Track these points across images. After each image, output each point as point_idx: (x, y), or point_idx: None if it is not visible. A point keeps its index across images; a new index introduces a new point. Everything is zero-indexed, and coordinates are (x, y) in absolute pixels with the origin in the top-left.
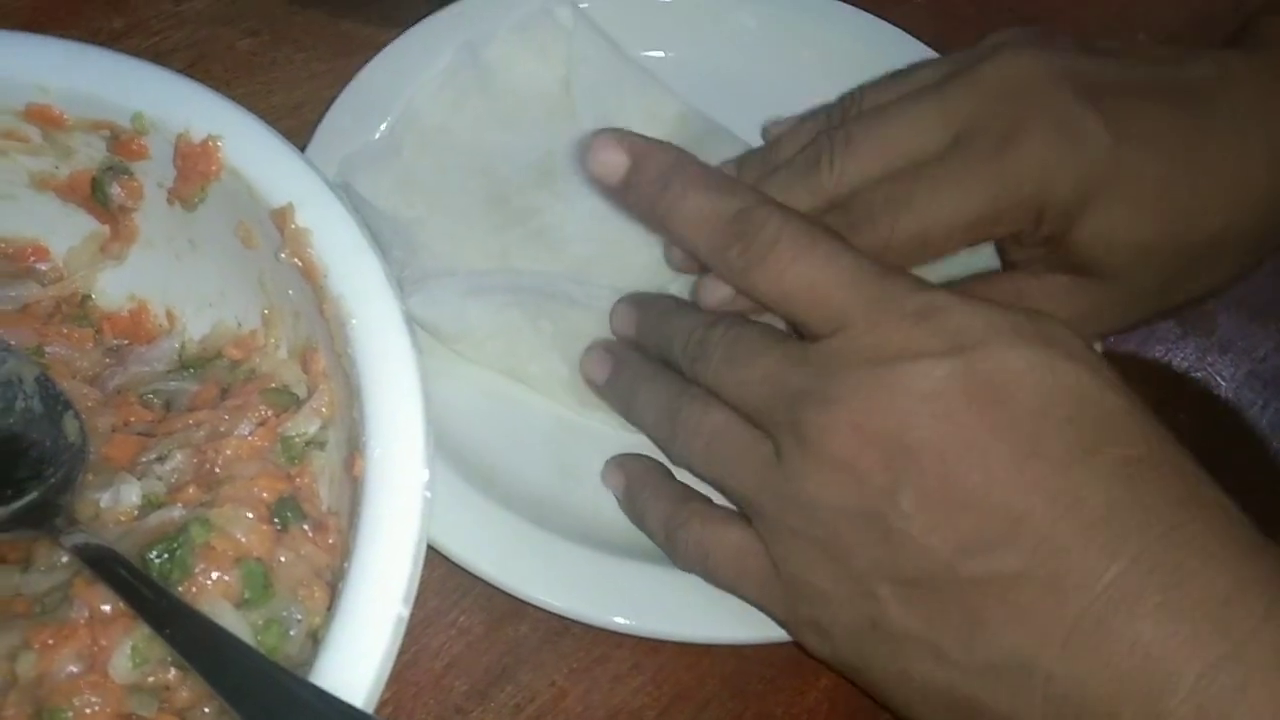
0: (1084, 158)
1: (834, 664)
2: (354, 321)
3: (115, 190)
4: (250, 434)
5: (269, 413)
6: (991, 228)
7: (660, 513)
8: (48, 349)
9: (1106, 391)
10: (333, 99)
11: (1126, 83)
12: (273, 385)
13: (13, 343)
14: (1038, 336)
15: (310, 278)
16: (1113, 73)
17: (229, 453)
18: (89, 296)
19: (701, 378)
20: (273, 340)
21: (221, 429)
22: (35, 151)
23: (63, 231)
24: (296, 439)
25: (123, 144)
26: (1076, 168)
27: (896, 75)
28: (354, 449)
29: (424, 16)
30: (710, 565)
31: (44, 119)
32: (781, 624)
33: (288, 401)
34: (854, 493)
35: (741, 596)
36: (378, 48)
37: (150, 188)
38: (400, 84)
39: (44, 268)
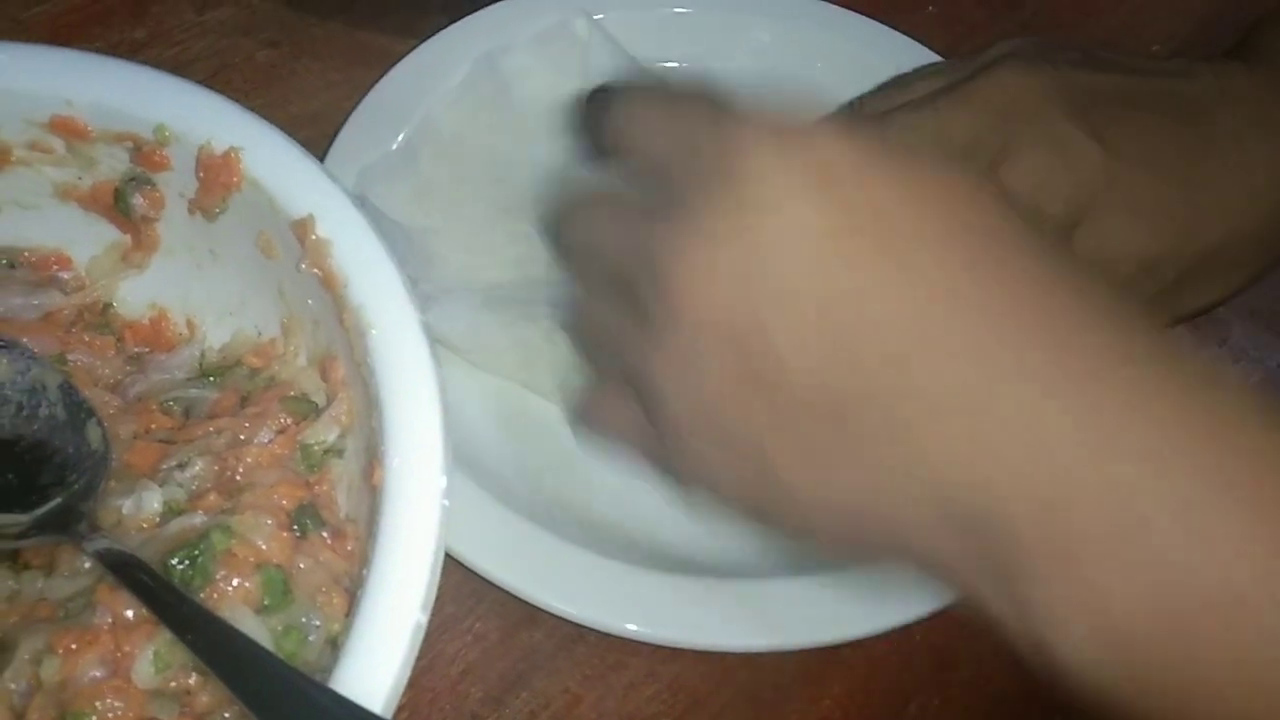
0: (1076, 175)
1: (727, 503)
2: (373, 331)
3: (137, 200)
4: (270, 441)
5: (288, 420)
6: None
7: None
8: (70, 357)
9: (974, 203)
10: (350, 109)
11: (1124, 97)
12: (292, 393)
13: (36, 350)
14: (907, 162)
15: (330, 288)
16: (1110, 87)
17: (249, 460)
18: (110, 305)
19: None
20: (292, 348)
21: (242, 436)
22: (59, 163)
23: (85, 241)
24: (315, 447)
25: (145, 155)
26: (1068, 185)
27: (898, 81)
28: (373, 457)
29: (441, 28)
30: (617, 438)
31: (68, 131)
32: (659, 470)
33: (307, 410)
34: (728, 344)
35: (640, 462)
36: (395, 59)
37: (172, 198)
38: (417, 95)
39: (66, 276)
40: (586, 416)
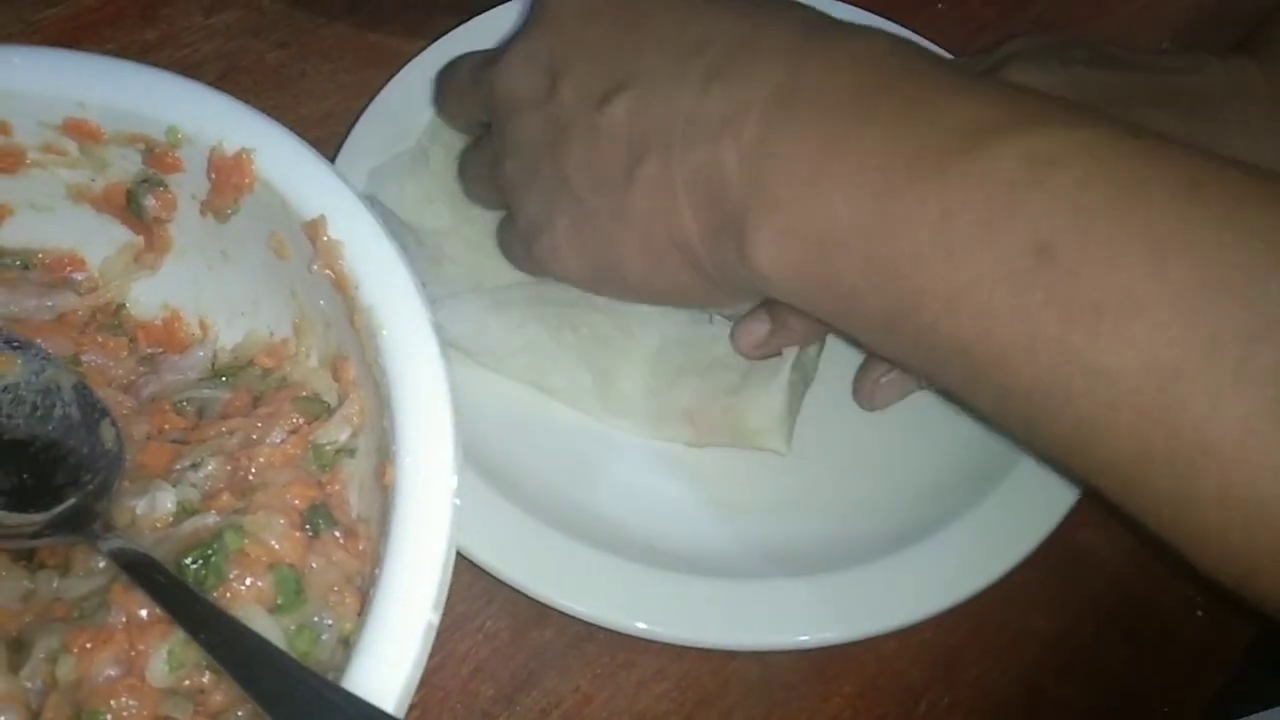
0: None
1: (579, 283)
2: (385, 332)
3: (150, 202)
4: (282, 441)
5: (300, 420)
6: None
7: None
8: (84, 357)
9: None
10: (360, 110)
11: (1134, 94)
12: (304, 393)
13: (50, 351)
14: None
15: (342, 289)
16: (1120, 84)
17: (262, 460)
18: (123, 306)
19: None
20: (304, 349)
21: (254, 436)
22: (73, 164)
23: (98, 242)
24: (328, 447)
25: (157, 157)
26: None
27: None
28: (384, 457)
29: (449, 29)
30: (471, 180)
31: (82, 133)
32: (532, 273)
33: (319, 409)
34: (530, 110)
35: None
36: (404, 59)
37: (184, 199)
38: (426, 97)
39: (80, 278)
40: (464, 173)
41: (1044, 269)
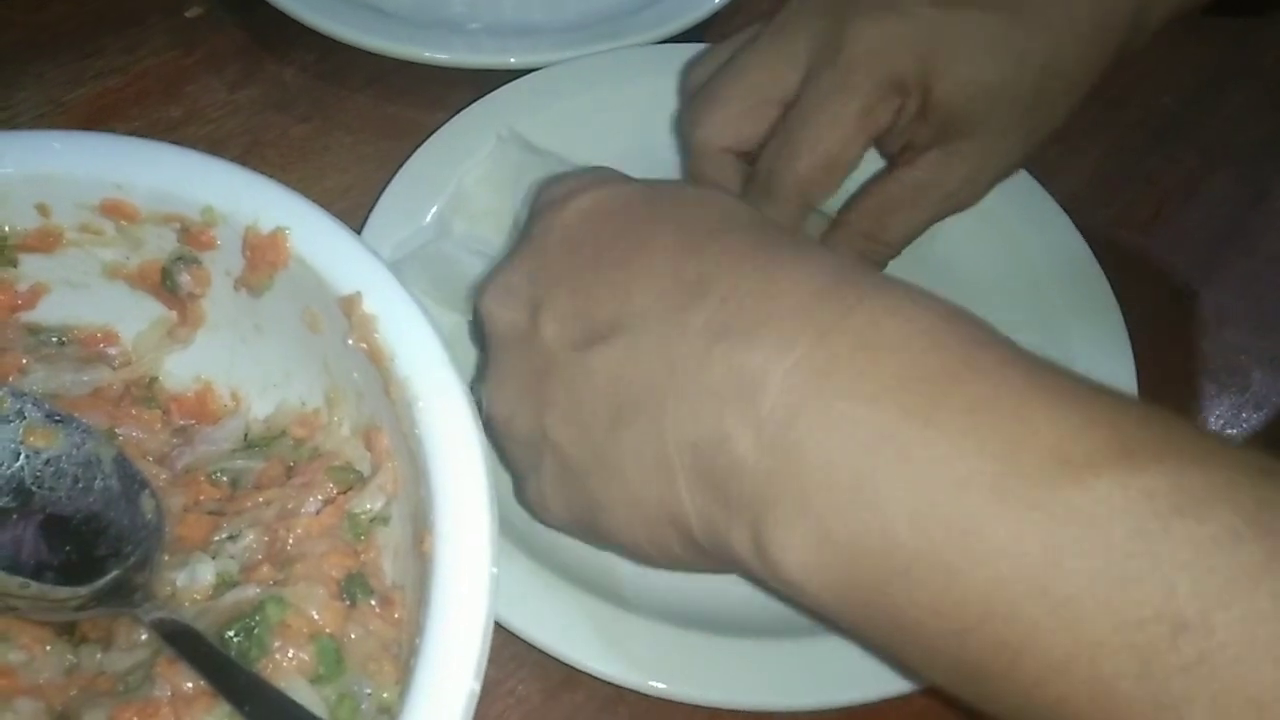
0: (913, 27)
1: (561, 527)
2: (420, 403)
3: (184, 278)
4: (318, 511)
5: (334, 490)
6: (874, 117)
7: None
8: (119, 430)
9: (714, 194)
10: (383, 182)
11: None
12: (337, 463)
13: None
14: (660, 185)
15: (377, 362)
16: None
17: (299, 531)
18: (156, 379)
19: None
20: (335, 419)
21: (290, 506)
22: (109, 243)
23: (132, 317)
24: (362, 516)
25: (193, 235)
26: (910, 38)
27: (714, 49)
28: (421, 526)
29: (469, 101)
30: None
31: (119, 213)
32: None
33: (352, 479)
34: (516, 345)
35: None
36: (425, 131)
37: (218, 275)
38: (448, 169)
39: (114, 352)
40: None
41: (1185, 645)
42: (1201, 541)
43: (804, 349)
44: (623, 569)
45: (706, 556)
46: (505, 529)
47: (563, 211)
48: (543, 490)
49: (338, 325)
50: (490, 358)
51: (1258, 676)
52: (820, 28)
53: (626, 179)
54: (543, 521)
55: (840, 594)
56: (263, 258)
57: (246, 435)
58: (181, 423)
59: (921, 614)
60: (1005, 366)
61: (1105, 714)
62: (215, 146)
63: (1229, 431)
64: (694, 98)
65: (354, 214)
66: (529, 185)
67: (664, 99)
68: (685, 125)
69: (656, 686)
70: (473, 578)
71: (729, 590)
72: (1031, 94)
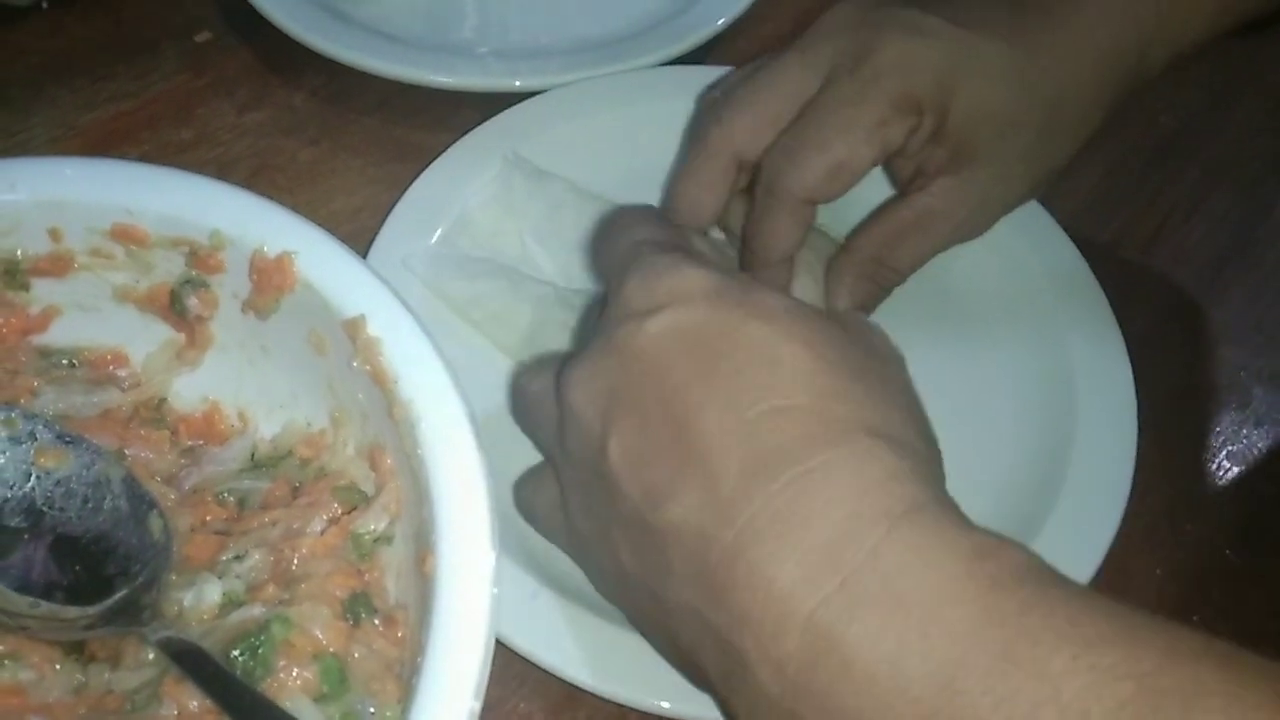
0: (934, 49)
1: (611, 601)
2: (423, 424)
3: (192, 301)
4: (323, 531)
5: (339, 509)
6: (887, 131)
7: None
8: (128, 451)
9: (784, 347)
10: (391, 205)
11: None
12: (342, 482)
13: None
14: (734, 298)
15: (381, 384)
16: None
17: (304, 551)
18: (165, 400)
19: None
20: (341, 439)
21: (295, 526)
22: (119, 267)
23: (140, 339)
24: (366, 536)
25: (201, 259)
26: (930, 59)
27: (736, 72)
28: (423, 545)
29: (474, 123)
30: (535, 518)
31: (128, 238)
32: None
33: (357, 499)
34: (584, 443)
35: (559, 545)
36: (431, 153)
37: (225, 298)
38: (453, 191)
39: (123, 374)
40: (519, 492)
41: None
42: None
43: (828, 592)
44: None
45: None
46: (507, 548)
47: (640, 333)
48: (598, 572)
49: (343, 348)
50: (561, 446)
51: None
52: (845, 42)
53: (707, 283)
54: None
55: None
56: (269, 281)
57: (253, 455)
58: (189, 443)
59: None
60: (1025, 613)
61: None
62: (224, 169)
63: (1233, 448)
64: (713, 103)
65: (362, 236)
66: (535, 208)
67: (669, 121)
68: (699, 126)
69: (661, 706)
70: (474, 598)
71: None
72: (1040, 126)
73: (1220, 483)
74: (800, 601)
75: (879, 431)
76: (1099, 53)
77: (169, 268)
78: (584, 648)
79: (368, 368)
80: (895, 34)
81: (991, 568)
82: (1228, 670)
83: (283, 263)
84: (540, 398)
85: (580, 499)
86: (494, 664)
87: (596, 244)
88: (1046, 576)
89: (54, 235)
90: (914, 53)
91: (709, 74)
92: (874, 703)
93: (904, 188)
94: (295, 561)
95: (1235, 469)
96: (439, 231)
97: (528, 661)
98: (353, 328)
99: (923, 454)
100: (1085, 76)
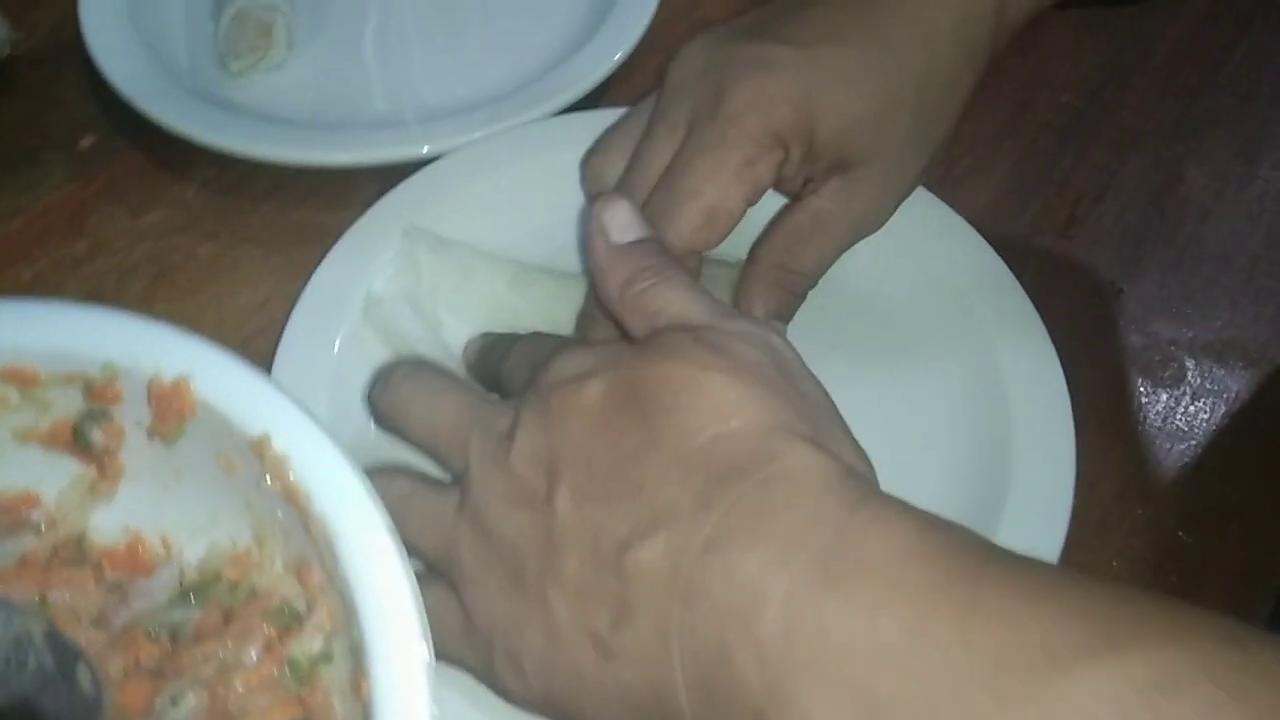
0: (784, 80)
1: (530, 703)
2: (341, 541)
3: (97, 434)
4: (258, 662)
5: (273, 633)
6: (754, 170)
7: None
8: (50, 595)
9: (701, 375)
10: (297, 292)
11: (784, 9)
12: (274, 603)
13: (15, 597)
14: (688, 350)
15: (293, 501)
16: (771, 11)
17: (239, 689)
18: (84, 536)
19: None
20: (267, 556)
21: (230, 660)
22: (15, 409)
23: (51, 478)
24: (303, 659)
25: (97, 391)
26: (783, 90)
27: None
28: (358, 670)
29: (374, 196)
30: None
31: (20, 379)
32: (481, 678)
33: (289, 620)
34: (523, 506)
35: (447, 660)
36: (332, 233)
37: (130, 427)
38: (357, 275)
39: (36, 515)
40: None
41: None
42: (1185, 717)
43: (800, 569)
44: None
45: None
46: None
47: (580, 393)
48: (521, 661)
49: (252, 467)
50: (479, 499)
51: None
52: (699, 89)
53: (623, 349)
54: (499, 682)
55: None
56: (169, 407)
57: (181, 583)
58: (115, 578)
59: None
60: (985, 569)
61: None
62: (124, 277)
63: (1174, 425)
64: (594, 174)
65: (270, 330)
66: (444, 280)
67: (566, 171)
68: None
69: None
70: None
71: None
72: (913, 109)
73: (1165, 461)
74: (775, 579)
75: (815, 440)
76: (954, 21)
77: (67, 404)
78: None
79: (279, 486)
80: (744, 72)
81: (947, 537)
82: (1159, 605)
83: (179, 388)
84: (423, 503)
85: (496, 579)
86: None
87: (498, 364)
88: (996, 548)
89: None
90: (765, 88)
91: (604, 118)
92: (853, 664)
93: (797, 196)
94: (231, 700)
95: (1178, 445)
96: (343, 330)
97: None
98: (258, 447)
99: (859, 459)
100: (943, 49)
